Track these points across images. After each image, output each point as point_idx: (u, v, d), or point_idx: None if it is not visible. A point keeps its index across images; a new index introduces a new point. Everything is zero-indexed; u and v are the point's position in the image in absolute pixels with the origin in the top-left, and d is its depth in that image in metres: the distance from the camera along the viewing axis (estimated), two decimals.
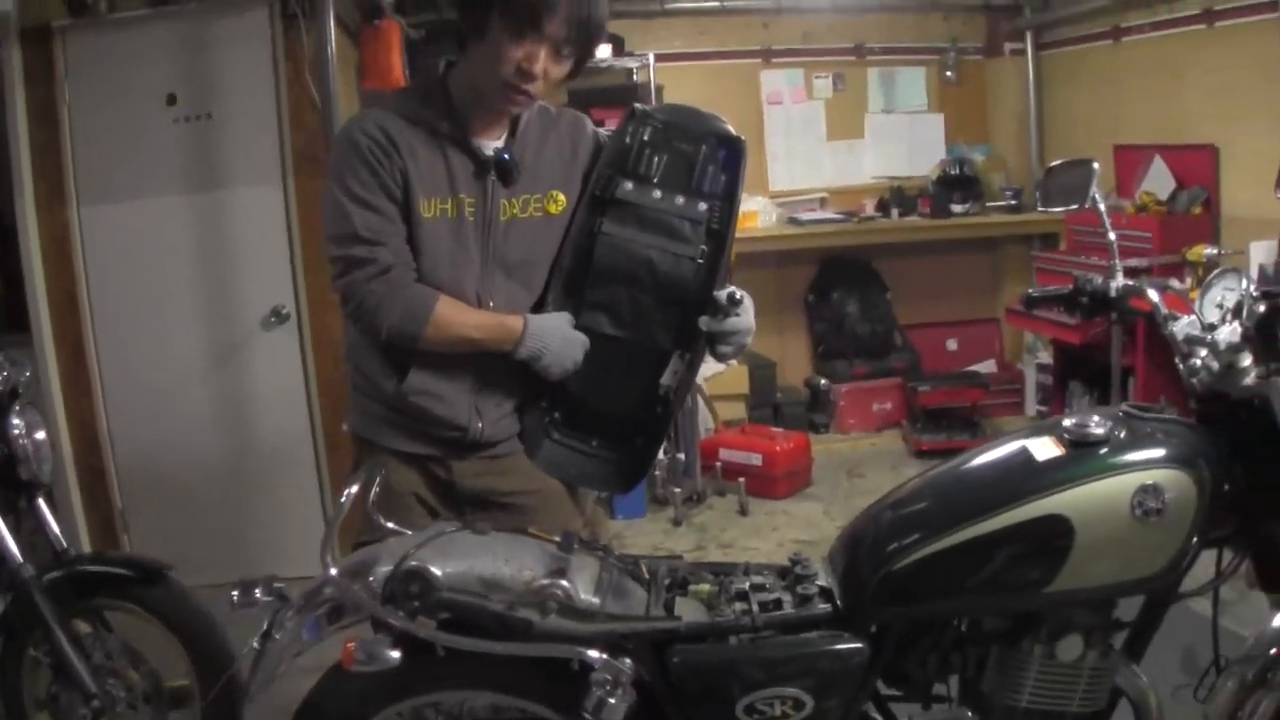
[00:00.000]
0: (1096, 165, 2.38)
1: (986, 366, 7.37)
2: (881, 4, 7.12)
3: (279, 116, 4.63)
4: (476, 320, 2.24)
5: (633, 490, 2.45)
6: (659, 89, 6.56)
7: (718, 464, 6.02)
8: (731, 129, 2.27)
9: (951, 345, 7.49)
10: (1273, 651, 2.03)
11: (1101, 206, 2.34)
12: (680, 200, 2.24)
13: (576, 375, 2.28)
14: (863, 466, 6.41)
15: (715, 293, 2.17)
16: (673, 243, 2.23)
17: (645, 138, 2.26)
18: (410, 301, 2.19)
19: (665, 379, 2.27)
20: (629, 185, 2.25)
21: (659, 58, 6.70)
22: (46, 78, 4.56)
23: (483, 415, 2.32)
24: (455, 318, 2.22)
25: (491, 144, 2.29)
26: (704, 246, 2.23)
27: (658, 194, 2.24)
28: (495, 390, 2.33)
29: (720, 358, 2.26)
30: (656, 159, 2.25)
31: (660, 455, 5.79)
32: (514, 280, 2.30)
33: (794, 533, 5.38)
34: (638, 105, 2.31)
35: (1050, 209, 2.52)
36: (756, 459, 5.96)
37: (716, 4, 6.93)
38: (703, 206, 2.23)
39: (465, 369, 2.29)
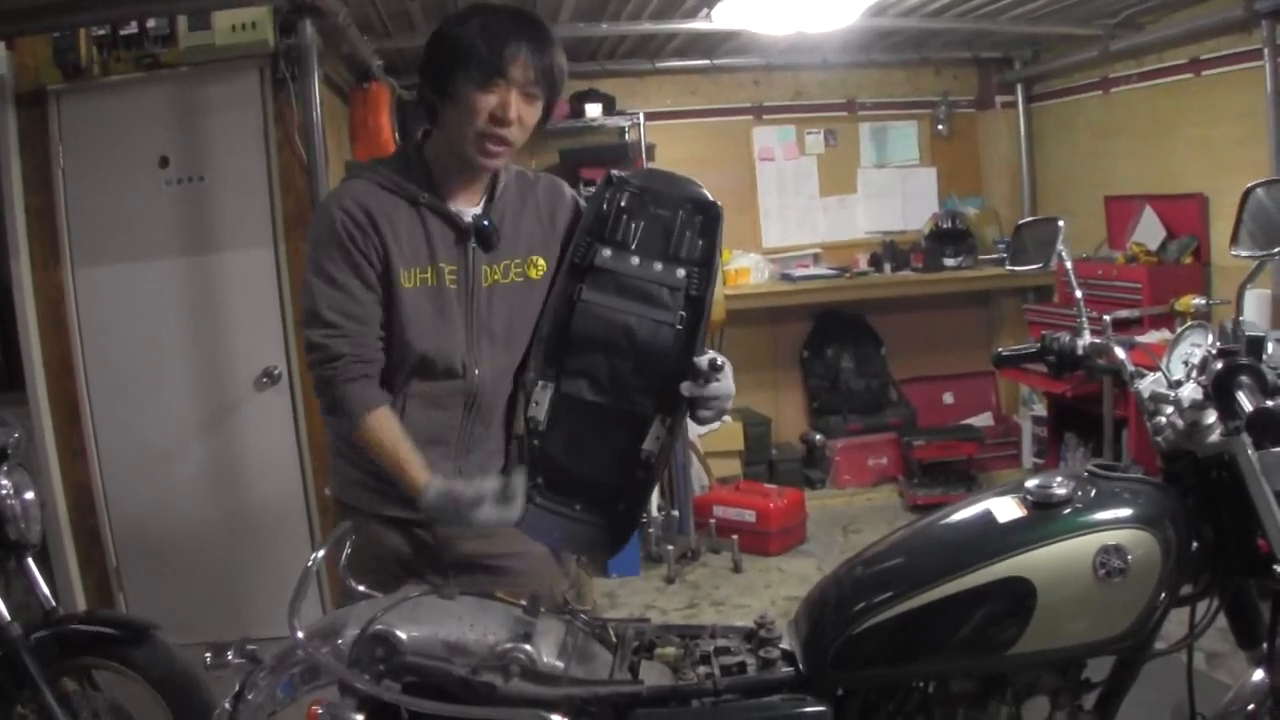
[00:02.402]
0: (1062, 223, 2.39)
1: (983, 419, 7.38)
2: (872, 59, 7.17)
3: (270, 179, 4.68)
4: (391, 456, 2.21)
5: (615, 556, 2.44)
6: (650, 147, 6.63)
7: (712, 521, 6.02)
8: (708, 193, 2.26)
9: (948, 399, 7.50)
10: (1250, 707, 2.03)
11: (1068, 264, 2.35)
12: (658, 267, 2.23)
13: (558, 441, 2.28)
14: (858, 522, 6.41)
15: (696, 359, 2.17)
16: (652, 309, 2.22)
17: (622, 204, 2.25)
18: (344, 400, 2.21)
19: (647, 444, 2.25)
20: (607, 252, 2.24)
21: (650, 116, 6.79)
22: (41, 141, 4.62)
23: (466, 480, 2.32)
24: (376, 439, 2.22)
25: (470, 210, 2.31)
26: (683, 312, 2.22)
27: (636, 260, 2.24)
28: (479, 455, 2.35)
29: (701, 422, 2.26)
30: (634, 225, 2.24)
31: (654, 512, 5.82)
32: (497, 346, 2.31)
33: (788, 590, 5.36)
34: (614, 172, 2.30)
35: (1018, 268, 2.52)
36: (750, 516, 5.97)
37: (707, 62, 6.97)
38: (681, 272, 2.23)
39: (448, 434, 2.30)
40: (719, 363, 2.17)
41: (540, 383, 2.30)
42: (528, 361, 2.32)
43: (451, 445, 2.32)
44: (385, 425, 2.22)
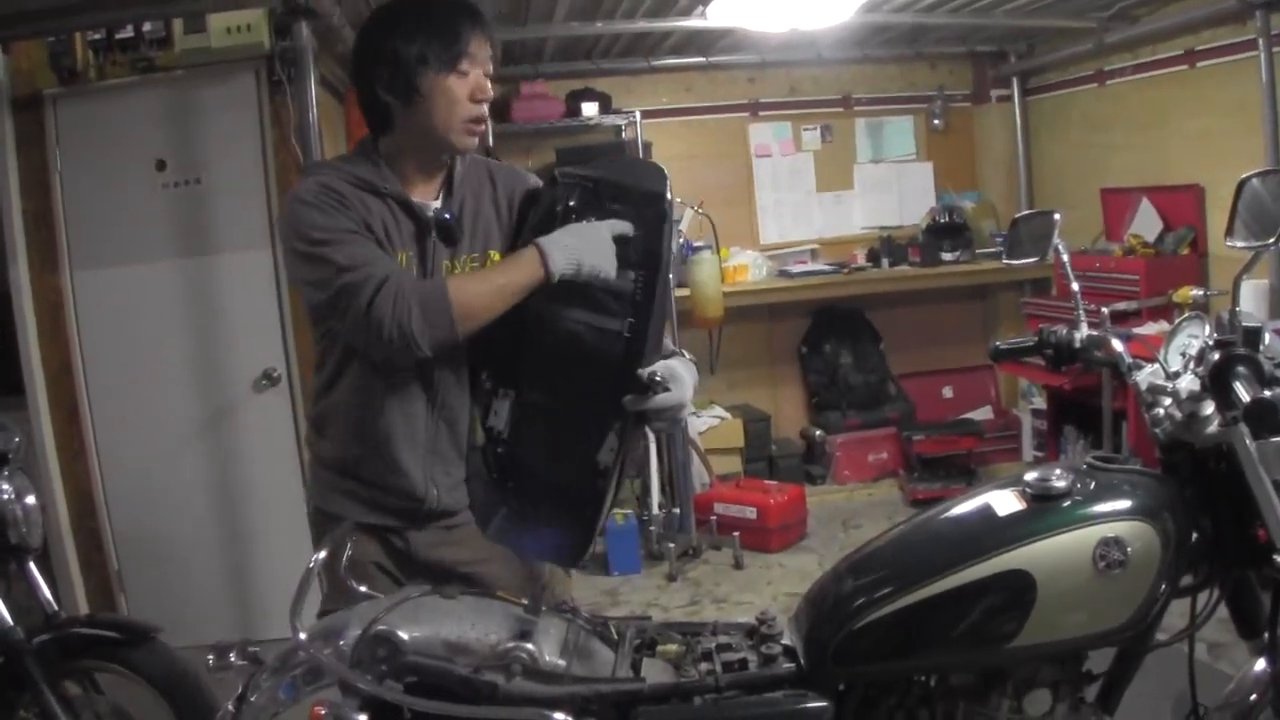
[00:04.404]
0: (1058, 216, 2.38)
1: (983, 413, 7.38)
2: (866, 55, 7.18)
3: (266, 181, 4.69)
4: (494, 280, 2.16)
5: (578, 563, 2.40)
6: (647, 145, 6.62)
7: (713, 518, 6.01)
8: (660, 185, 2.18)
9: (947, 393, 7.51)
10: (1252, 698, 2.03)
11: (1064, 257, 2.35)
12: None
13: (523, 449, 2.24)
14: (859, 517, 6.41)
15: (640, 371, 2.08)
16: (597, 317, 2.14)
17: (572, 203, 2.20)
18: (423, 299, 2.10)
19: (601, 455, 2.15)
20: None
21: (646, 114, 6.78)
22: (38, 144, 4.64)
23: (437, 484, 2.31)
24: (471, 288, 2.15)
25: (430, 204, 2.30)
26: (630, 319, 2.13)
27: None
28: (445, 460, 2.32)
29: (656, 432, 2.22)
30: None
31: (656, 510, 5.83)
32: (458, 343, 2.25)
33: (789, 586, 5.36)
34: (559, 170, 2.26)
35: (1014, 262, 2.52)
36: (751, 512, 5.97)
37: (702, 59, 6.98)
38: (631, 275, 2.14)
39: (417, 439, 2.28)
40: (658, 377, 2.06)
41: (500, 390, 2.26)
42: (481, 371, 2.30)
43: (419, 445, 2.29)
44: (466, 279, 2.20)
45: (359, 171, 2.26)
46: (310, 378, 4.54)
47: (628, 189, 2.19)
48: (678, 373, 2.11)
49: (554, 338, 2.16)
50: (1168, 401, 1.98)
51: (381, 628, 1.83)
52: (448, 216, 2.26)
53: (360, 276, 2.11)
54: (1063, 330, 2.27)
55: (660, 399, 2.07)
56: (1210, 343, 1.94)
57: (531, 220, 2.28)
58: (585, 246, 2.12)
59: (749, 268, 6.84)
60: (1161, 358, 2.09)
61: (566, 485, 2.22)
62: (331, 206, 2.17)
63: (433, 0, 2.23)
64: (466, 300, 2.12)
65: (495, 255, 2.32)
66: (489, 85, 2.25)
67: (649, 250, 2.15)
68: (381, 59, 2.22)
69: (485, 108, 2.26)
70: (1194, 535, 1.90)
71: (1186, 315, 2.22)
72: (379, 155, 2.31)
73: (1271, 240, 2.08)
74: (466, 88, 2.22)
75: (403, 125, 2.26)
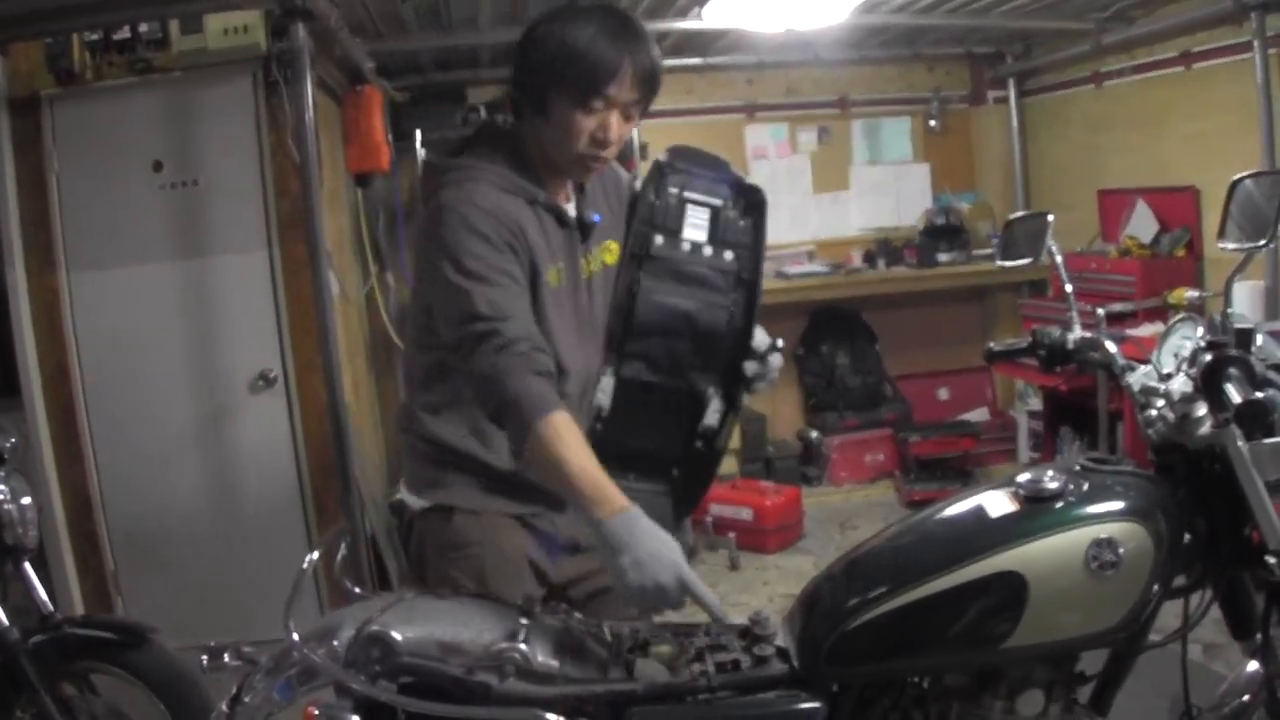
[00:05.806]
0: (1051, 217, 2.39)
1: (979, 414, 7.38)
2: (863, 56, 7.18)
3: (264, 182, 4.70)
4: (579, 469, 1.99)
5: (680, 525, 2.43)
6: (644, 146, 6.61)
7: (708, 519, 6.00)
8: (743, 175, 2.29)
9: (943, 394, 7.50)
10: (1245, 699, 2.04)
11: (1058, 258, 2.36)
12: (708, 252, 2.22)
13: (621, 422, 2.25)
14: (855, 518, 6.40)
15: (755, 341, 2.22)
16: (708, 294, 2.21)
17: (671, 188, 2.23)
18: (522, 396, 2.02)
19: (708, 419, 2.24)
20: (660, 240, 2.21)
21: (643, 115, 6.75)
22: (35, 146, 4.64)
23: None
24: (558, 447, 1.99)
25: (569, 206, 2.34)
26: (735, 295, 2.22)
27: (687, 246, 2.23)
28: None
29: (755, 392, 2.28)
30: (684, 210, 2.23)
31: None
32: (596, 338, 2.31)
33: (785, 587, 5.36)
34: (661, 157, 2.27)
35: (1007, 263, 2.53)
36: (747, 513, 5.98)
37: (700, 61, 6.96)
38: (729, 255, 2.22)
39: None
40: (779, 345, 2.23)
41: (605, 369, 2.27)
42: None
43: None
44: (570, 430, 2.03)
45: (515, 179, 2.23)
46: (307, 380, 4.62)
47: (714, 179, 2.25)
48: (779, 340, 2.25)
49: (666, 315, 2.21)
50: (1160, 403, 1.99)
51: (375, 628, 1.83)
52: (596, 219, 2.32)
53: (489, 328, 2.07)
54: (1056, 332, 2.27)
55: (774, 360, 2.24)
56: (1202, 344, 1.94)
57: (641, 211, 2.24)
58: (643, 551, 1.93)
59: None
60: (1154, 359, 2.10)
61: (664, 453, 2.28)
62: (500, 241, 2.14)
63: (610, 20, 2.16)
64: (546, 441, 2.00)
65: (613, 245, 2.37)
66: (613, 131, 2.18)
67: (751, 232, 2.24)
68: (530, 54, 2.19)
69: (608, 150, 2.21)
70: (1187, 536, 1.90)
71: (1180, 317, 2.23)
72: (526, 151, 2.28)
73: (1263, 241, 2.09)
74: (591, 125, 2.16)
75: (531, 127, 2.25)
